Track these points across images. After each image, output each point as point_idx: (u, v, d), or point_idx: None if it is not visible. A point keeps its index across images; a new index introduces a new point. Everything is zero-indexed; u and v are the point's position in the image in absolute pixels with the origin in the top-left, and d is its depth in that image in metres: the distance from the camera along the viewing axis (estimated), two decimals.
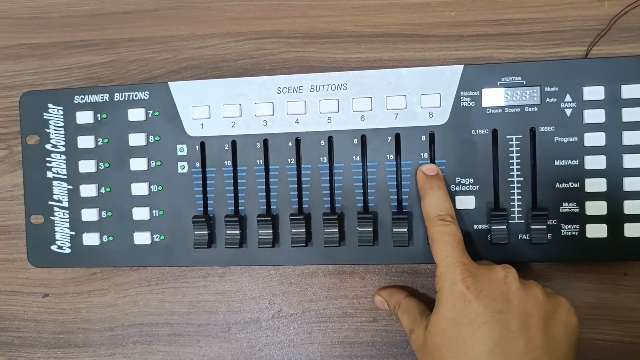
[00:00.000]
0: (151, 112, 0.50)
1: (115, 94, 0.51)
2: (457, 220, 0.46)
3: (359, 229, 0.47)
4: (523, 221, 0.46)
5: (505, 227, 0.46)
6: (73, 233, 0.52)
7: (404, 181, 0.48)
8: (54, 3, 0.57)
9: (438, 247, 0.43)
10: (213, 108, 0.50)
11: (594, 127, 0.46)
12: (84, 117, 0.51)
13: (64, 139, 0.52)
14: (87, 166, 0.51)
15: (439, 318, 0.42)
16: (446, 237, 0.43)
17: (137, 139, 0.51)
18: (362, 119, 0.48)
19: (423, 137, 0.47)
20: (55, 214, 0.52)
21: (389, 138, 0.48)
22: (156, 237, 0.51)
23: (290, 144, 0.49)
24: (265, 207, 0.49)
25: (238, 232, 0.49)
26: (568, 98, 0.46)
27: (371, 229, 0.47)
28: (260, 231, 0.49)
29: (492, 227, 0.46)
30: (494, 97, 0.47)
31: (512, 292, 0.41)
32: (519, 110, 0.46)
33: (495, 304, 0.40)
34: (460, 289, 0.41)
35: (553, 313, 0.41)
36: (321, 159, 0.48)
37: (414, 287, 0.52)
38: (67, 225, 0.52)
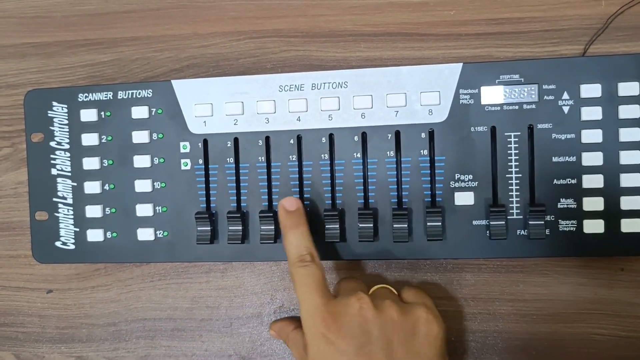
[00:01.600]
0: (154, 109, 0.51)
1: (119, 92, 0.51)
2: (455, 217, 0.47)
3: (360, 225, 0.48)
4: (521, 217, 0.47)
5: (503, 222, 0.47)
6: (77, 229, 0.52)
7: (404, 178, 0.48)
8: (58, 2, 0.58)
9: (298, 290, 0.44)
10: (215, 106, 0.50)
11: (591, 124, 0.46)
12: (88, 115, 0.52)
13: (68, 136, 0.52)
14: (91, 163, 0.52)
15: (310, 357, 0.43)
16: (305, 278, 0.44)
17: (140, 137, 0.51)
18: (363, 117, 0.49)
19: (423, 134, 0.48)
20: (60, 210, 0.52)
21: (389, 135, 0.48)
22: (159, 233, 0.51)
23: (291, 141, 0.49)
24: (267, 203, 0.50)
25: (240, 228, 0.50)
26: (565, 96, 0.47)
27: (372, 225, 0.48)
28: (262, 227, 0.49)
29: (491, 223, 0.47)
30: (492, 95, 0.47)
31: (370, 323, 0.42)
32: (517, 107, 0.47)
33: (356, 340, 0.41)
34: (322, 332, 0.42)
35: (412, 329, 0.43)
36: (322, 156, 0.49)
37: (413, 283, 0.53)
38: (72, 221, 0.52)
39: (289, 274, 0.45)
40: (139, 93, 0.51)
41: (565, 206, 0.47)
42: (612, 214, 0.46)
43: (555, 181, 0.47)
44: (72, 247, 0.52)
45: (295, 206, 0.47)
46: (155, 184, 0.51)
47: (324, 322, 0.42)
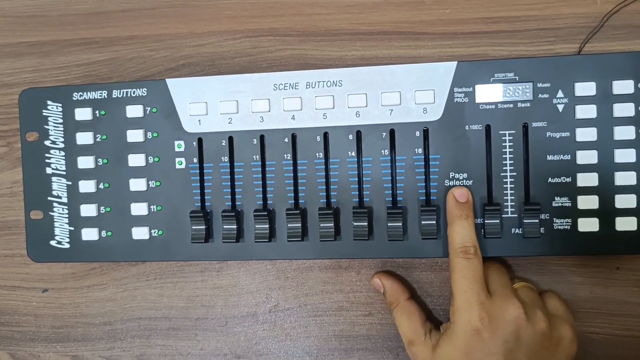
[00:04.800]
0: (149, 108, 0.51)
1: (114, 91, 0.51)
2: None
3: (354, 224, 0.48)
4: (516, 215, 0.47)
5: (498, 221, 0.47)
6: (72, 228, 0.52)
7: (398, 176, 0.48)
8: (54, 1, 0.58)
9: (457, 280, 0.44)
10: (210, 105, 0.50)
11: (586, 123, 0.46)
12: (83, 114, 0.52)
13: (62, 135, 0.52)
14: (85, 162, 0.52)
15: (451, 349, 0.44)
16: (467, 271, 0.44)
17: (135, 135, 0.51)
18: (357, 115, 0.49)
19: (417, 133, 0.48)
20: (55, 209, 0.52)
21: (384, 134, 0.48)
22: (154, 232, 0.51)
23: (286, 140, 0.49)
24: (261, 202, 0.50)
25: (235, 226, 0.49)
26: (560, 94, 0.47)
27: (366, 224, 0.48)
28: (256, 226, 0.49)
29: (486, 222, 0.47)
30: (487, 93, 0.47)
31: (522, 331, 0.43)
32: (511, 106, 0.47)
33: (507, 344, 0.43)
34: (476, 328, 0.43)
35: (556, 345, 0.44)
36: (317, 154, 0.49)
37: (410, 283, 0.53)
38: (66, 220, 0.52)
39: (448, 262, 0.45)
40: (134, 92, 0.51)
41: (560, 204, 0.47)
42: (607, 213, 0.46)
43: (549, 179, 0.47)
44: (67, 246, 0.52)
45: (465, 198, 0.46)
46: (150, 182, 0.51)
47: (481, 320, 0.43)
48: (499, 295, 0.45)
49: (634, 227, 0.46)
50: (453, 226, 0.46)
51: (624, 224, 0.46)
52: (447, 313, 0.52)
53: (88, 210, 0.52)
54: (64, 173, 0.52)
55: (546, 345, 0.44)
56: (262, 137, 0.50)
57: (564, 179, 0.47)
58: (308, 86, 0.49)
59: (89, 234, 0.52)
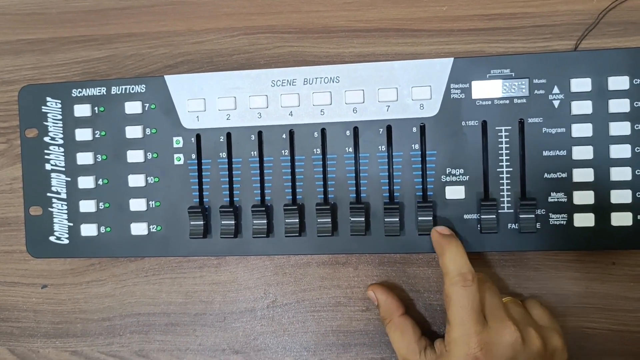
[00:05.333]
0: (148, 105, 0.51)
1: (113, 88, 0.52)
2: (446, 211, 0.47)
3: (352, 219, 0.48)
4: (512, 211, 0.47)
5: (494, 216, 0.47)
6: (71, 224, 0.53)
7: (395, 172, 0.48)
8: None
9: (454, 310, 0.44)
10: (208, 101, 0.51)
11: (582, 119, 0.47)
12: (82, 110, 0.52)
13: (62, 131, 0.53)
14: (84, 158, 0.52)
15: None
16: (465, 301, 0.43)
17: (133, 132, 0.51)
18: (355, 111, 0.49)
19: (414, 129, 0.48)
20: (54, 205, 0.53)
21: (381, 130, 0.49)
22: (153, 228, 0.51)
23: (284, 136, 0.50)
24: (259, 197, 0.50)
25: (233, 222, 0.50)
26: (556, 90, 0.47)
27: (363, 219, 0.48)
28: (254, 221, 0.49)
29: (482, 217, 0.47)
30: (483, 89, 0.47)
31: (519, 354, 0.43)
32: (508, 102, 0.47)
33: None
34: (476, 356, 0.42)
35: (551, 357, 0.45)
36: (314, 150, 0.49)
37: (405, 280, 0.53)
38: (66, 216, 0.53)
39: (443, 291, 0.45)
40: (132, 88, 0.51)
41: (556, 200, 0.47)
42: (603, 208, 0.47)
43: (545, 175, 0.47)
44: (66, 241, 0.53)
45: (448, 231, 0.47)
46: (148, 178, 0.52)
47: (481, 349, 0.42)
48: (494, 320, 0.44)
49: (629, 222, 0.46)
50: (445, 255, 0.45)
51: (619, 219, 0.46)
52: (444, 311, 0.52)
53: (87, 206, 0.52)
54: (63, 169, 0.53)
55: None
56: (260, 133, 0.50)
57: (559, 175, 0.47)
58: (305, 82, 0.49)
59: (88, 230, 0.52)
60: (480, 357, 0.42)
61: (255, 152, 0.50)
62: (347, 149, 0.49)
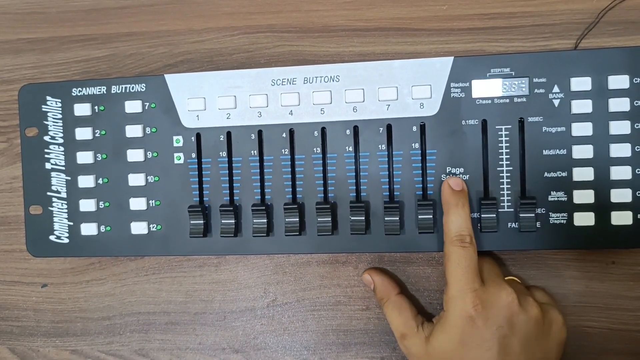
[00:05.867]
0: (148, 104, 0.51)
1: (113, 87, 0.52)
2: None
3: (352, 218, 0.48)
4: (512, 210, 0.47)
5: (494, 215, 0.47)
6: (71, 223, 0.53)
7: (395, 171, 0.48)
8: None
9: (452, 268, 0.45)
10: (208, 100, 0.51)
11: (582, 118, 0.47)
12: (82, 109, 0.52)
13: (62, 130, 0.53)
14: (84, 157, 0.52)
15: (445, 337, 0.45)
16: (462, 259, 0.44)
17: (134, 131, 0.51)
18: (355, 110, 0.49)
19: (414, 128, 0.48)
20: (54, 204, 0.53)
21: (381, 129, 0.49)
22: (153, 227, 0.51)
23: (284, 135, 0.50)
24: (259, 196, 0.50)
25: (233, 221, 0.50)
26: (556, 89, 0.47)
27: (363, 218, 0.48)
28: (254, 220, 0.49)
29: (482, 216, 0.47)
30: (483, 88, 0.47)
31: (515, 317, 0.44)
32: (508, 101, 0.47)
33: (501, 330, 0.43)
34: (470, 315, 0.43)
35: (548, 329, 0.45)
36: (314, 149, 0.49)
37: (405, 279, 0.53)
38: (66, 215, 0.53)
39: (444, 250, 0.46)
40: (133, 87, 0.51)
41: (556, 199, 0.47)
42: (603, 207, 0.47)
43: (545, 174, 0.47)
44: (66, 240, 0.53)
45: (461, 186, 0.47)
46: (148, 177, 0.52)
47: (475, 307, 0.43)
48: (491, 283, 0.45)
49: (629, 222, 0.46)
50: (449, 215, 0.46)
51: (619, 218, 0.46)
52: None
53: (87, 205, 0.52)
54: (63, 168, 0.53)
55: (539, 330, 0.44)
56: (260, 132, 0.50)
57: (559, 174, 0.47)
58: (305, 81, 0.49)
59: (88, 229, 0.52)
60: (474, 314, 0.43)
61: (255, 151, 0.50)
62: (347, 148, 0.49)
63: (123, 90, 0.52)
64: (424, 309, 0.53)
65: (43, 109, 0.53)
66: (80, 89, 0.52)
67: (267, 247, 0.50)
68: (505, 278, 0.48)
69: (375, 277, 0.51)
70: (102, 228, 0.52)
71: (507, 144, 0.47)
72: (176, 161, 0.51)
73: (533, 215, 0.46)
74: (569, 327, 0.50)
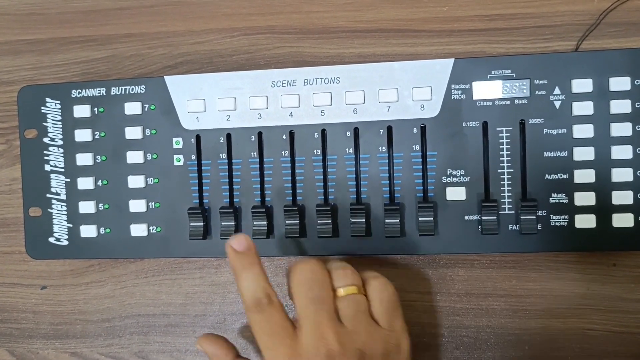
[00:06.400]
0: (147, 105, 0.51)
1: (112, 88, 0.52)
2: (447, 212, 0.47)
3: (352, 221, 0.48)
4: (513, 212, 0.47)
5: (495, 217, 0.47)
6: (70, 225, 0.52)
7: (395, 173, 0.48)
8: None
9: (258, 337, 0.41)
10: (208, 102, 0.50)
11: (583, 119, 0.47)
12: (81, 111, 0.52)
13: (61, 132, 0.52)
14: (84, 159, 0.52)
15: None
16: (264, 325, 0.41)
17: (133, 132, 0.51)
18: (355, 112, 0.49)
19: (415, 130, 0.48)
20: (53, 206, 0.53)
21: (381, 131, 0.49)
22: (152, 229, 0.51)
23: (284, 137, 0.50)
24: (259, 199, 0.50)
25: (233, 223, 0.50)
26: (557, 91, 0.47)
27: (364, 220, 0.48)
28: (254, 222, 0.49)
29: (483, 218, 0.47)
30: (484, 90, 0.47)
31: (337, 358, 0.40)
32: (509, 102, 0.47)
33: None
34: None
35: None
36: (314, 151, 0.49)
37: (406, 281, 0.53)
38: (65, 217, 0.53)
39: (247, 320, 0.43)
40: (132, 89, 0.51)
41: (557, 201, 0.47)
42: (604, 209, 0.46)
43: (546, 176, 0.47)
44: (66, 242, 0.53)
45: (244, 245, 0.42)
46: (148, 179, 0.51)
47: None
48: (307, 334, 0.40)
49: (630, 224, 0.46)
50: (239, 281, 0.42)
51: (620, 220, 0.46)
52: (445, 310, 0.52)
53: (86, 207, 0.52)
54: (63, 170, 0.52)
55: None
56: (260, 134, 0.50)
57: (561, 176, 0.47)
58: (306, 83, 0.49)
59: (88, 231, 0.52)
60: None
61: (255, 153, 0.50)
62: (347, 149, 0.49)
63: (123, 92, 0.51)
64: (423, 313, 0.52)
65: (42, 111, 0.53)
66: (80, 91, 0.52)
67: (267, 250, 0.50)
68: (345, 290, 0.42)
69: (206, 346, 0.47)
70: (102, 230, 0.52)
71: (508, 146, 0.47)
72: (176, 163, 0.51)
73: (534, 217, 0.46)
74: (570, 330, 0.50)
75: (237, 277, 0.42)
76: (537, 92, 0.47)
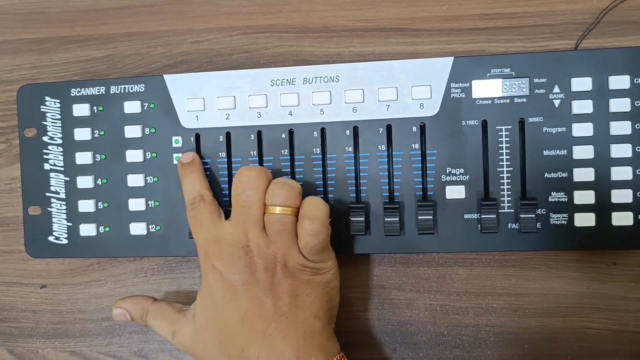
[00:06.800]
0: (147, 104, 0.51)
1: (112, 87, 0.52)
2: (446, 210, 0.47)
3: (352, 219, 0.48)
4: (512, 210, 0.47)
5: (494, 216, 0.47)
6: (70, 224, 0.52)
7: (395, 172, 0.48)
8: None
9: (191, 230, 0.47)
10: (208, 100, 0.50)
11: (582, 118, 0.47)
12: (81, 110, 0.52)
13: (61, 131, 0.52)
14: (83, 158, 0.52)
15: (201, 297, 0.46)
16: (194, 219, 0.46)
17: (133, 131, 0.51)
18: (354, 111, 0.49)
19: (414, 128, 0.48)
20: (53, 205, 0.53)
21: (381, 129, 0.49)
22: (152, 228, 0.51)
23: (283, 136, 0.50)
24: None
25: None
26: (556, 89, 0.47)
27: (363, 219, 0.48)
28: None
29: (482, 217, 0.47)
30: (484, 89, 0.47)
31: (252, 257, 0.44)
32: (508, 101, 0.47)
33: (240, 276, 0.44)
34: (211, 265, 0.45)
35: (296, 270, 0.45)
36: (314, 150, 0.49)
37: (405, 280, 0.53)
38: (64, 216, 0.52)
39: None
40: (132, 88, 0.51)
41: (557, 199, 0.47)
42: (603, 208, 0.46)
43: (546, 174, 0.47)
44: (65, 241, 0.53)
45: (190, 158, 0.49)
46: (147, 178, 0.51)
47: (213, 257, 0.45)
48: (229, 225, 0.46)
49: (630, 222, 0.46)
50: (182, 186, 0.48)
51: (620, 219, 0.46)
52: (444, 309, 0.52)
53: (86, 205, 0.52)
54: (62, 169, 0.52)
55: (285, 269, 0.44)
56: (259, 133, 0.50)
57: (560, 174, 0.47)
58: (305, 82, 0.49)
59: (87, 230, 0.52)
60: (214, 267, 0.44)
61: (254, 152, 0.50)
62: (346, 148, 0.49)
63: (122, 91, 0.51)
64: (422, 311, 0.52)
65: (42, 110, 0.53)
66: (79, 90, 0.52)
67: None
68: (271, 210, 0.44)
69: (124, 304, 0.51)
70: (101, 229, 0.52)
71: (508, 145, 0.47)
72: (175, 162, 0.51)
73: (533, 216, 0.46)
74: (569, 329, 0.50)
75: (181, 183, 0.49)
76: (536, 91, 0.47)
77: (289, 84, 0.49)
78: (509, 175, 0.47)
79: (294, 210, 0.44)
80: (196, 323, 0.46)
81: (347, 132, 0.49)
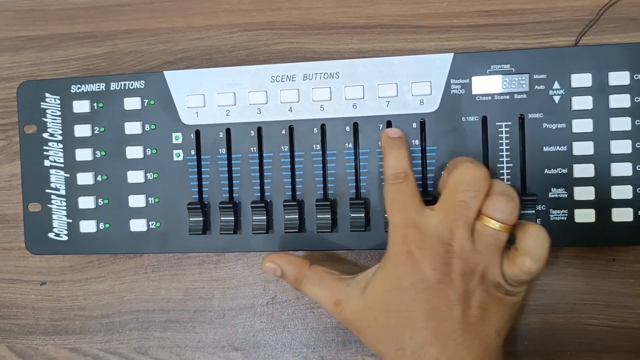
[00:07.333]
0: (147, 101, 0.51)
1: (112, 84, 0.52)
2: None
3: (351, 215, 0.48)
4: None
5: None
6: (70, 221, 0.52)
7: None
8: None
9: (388, 206, 0.43)
10: (208, 97, 0.50)
11: (582, 114, 0.47)
12: (81, 106, 0.52)
13: (61, 127, 0.52)
14: (83, 154, 0.52)
15: (384, 276, 0.43)
16: (395, 195, 0.43)
17: (133, 128, 0.51)
18: (354, 107, 0.49)
19: (414, 125, 0.48)
20: (53, 201, 0.53)
21: (381, 125, 0.49)
22: (152, 224, 0.51)
23: (283, 132, 0.50)
24: (259, 194, 0.50)
25: (232, 218, 0.50)
26: (556, 85, 0.47)
27: (363, 215, 0.48)
28: (254, 217, 0.49)
29: None
30: (484, 85, 0.47)
31: (454, 255, 0.41)
32: (508, 97, 0.47)
33: (436, 273, 0.41)
34: (406, 251, 0.41)
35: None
36: (314, 146, 0.49)
37: None
38: (64, 213, 0.53)
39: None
40: (132, 84, 0.51)
41: (557, 196, 0.47)
42: (603, 204, 0.46)
43: (546, 171, 0.47)
44: (65, 238, 0.53)
45: (398, 134, 0.46)
46: (147, 175, 0.51)
47: (413, 242, 0.41)
48: (435, 217, 0.42)
49: (630, 218, 0.46)
50: (385, 158, 0.45)
51: (620, 215, 0.46)
52: None
53: (86, 202, 0.52)
54: (62, 165, 0.53)
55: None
56: (259, 129, 0.50)
57: (560, 170, 0.47)
58: (305, 78, 0.49)
59: (87, 226, 0.52)
60: (410, 253, 0.41)
61: (254, 148, 0.50)
62: (347, 144, 0.49)
63: (122, 87, 0.51)
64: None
65: (42, 106, 0.53)
66: (79, 86, 0.52)
67: (266, 245, 0.50)
68: (486, 221, 0.41)
69: (279, 261, 0.47)
70: (101, 225, 0.52)
71: (508, 141, 0.47)
72: (175, 158, 0.51)
73: (533, 212, 0.46)
74: (569, 325, 0.50)
75: (385, 155, 0.45)
76: (536, 87, 0.47)
77: (289, 80, 0.49)
78: (508, 171, 0.47)
79: (511, 228, 0.41)
80: (368, 300, 0.43)
81: (347, 128, 0.49)
